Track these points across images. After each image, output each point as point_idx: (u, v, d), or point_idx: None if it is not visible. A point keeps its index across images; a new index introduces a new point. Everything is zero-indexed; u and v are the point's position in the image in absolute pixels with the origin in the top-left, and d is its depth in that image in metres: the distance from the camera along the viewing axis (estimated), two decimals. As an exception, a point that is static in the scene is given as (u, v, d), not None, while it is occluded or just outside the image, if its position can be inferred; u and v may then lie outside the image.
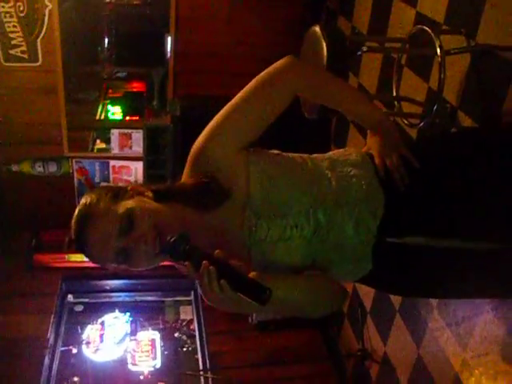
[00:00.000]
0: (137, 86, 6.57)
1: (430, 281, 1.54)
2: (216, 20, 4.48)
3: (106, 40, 5.62)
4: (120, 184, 1.48)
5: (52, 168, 4.76)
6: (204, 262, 1.19)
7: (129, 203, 1.32)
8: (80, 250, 1.34)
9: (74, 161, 4.85)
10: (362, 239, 1.40)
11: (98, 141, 5.32)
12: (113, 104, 6.15)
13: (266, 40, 4.46)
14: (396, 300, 3.43)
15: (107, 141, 5.13)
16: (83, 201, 1.35)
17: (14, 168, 4.67)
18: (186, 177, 1.44)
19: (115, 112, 6.08)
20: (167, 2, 4.58)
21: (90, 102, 6.05)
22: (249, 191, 1.37)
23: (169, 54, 4.79)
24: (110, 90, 6.35)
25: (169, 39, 4.77)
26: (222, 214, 1.39)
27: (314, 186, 1.39)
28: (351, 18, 4.08)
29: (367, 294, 3.85)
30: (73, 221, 1.34)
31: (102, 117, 5.97)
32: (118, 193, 1.36)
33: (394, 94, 2.99)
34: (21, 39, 4.31)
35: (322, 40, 2.54)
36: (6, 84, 4.44)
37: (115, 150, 4.91)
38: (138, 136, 4.84)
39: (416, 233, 1.42)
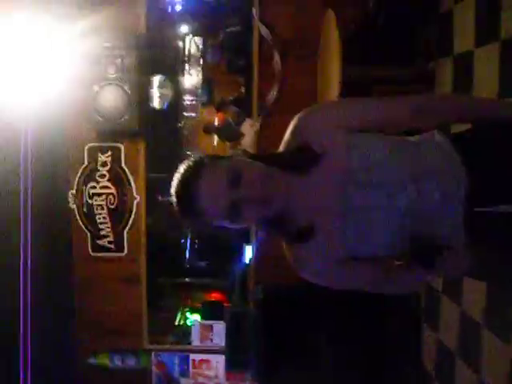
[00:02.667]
0: (215, 297, 6.61)
1: None
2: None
3: (188, 247, 5.83)
4: None
5: (130, 361, 4.61)
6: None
7: (231, 161, 1.42)
8: (187, 209, 1.38)
9: (153, 354, 4.70)
10: (450, 210, 1.42)
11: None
12: (192, 312, 6.16)
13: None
14: None
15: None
16: (182, 168, 1.41)
17: (92, 361, 4.55)
18: (283, 144, 1.51)
19: (194, 319, 6.05)
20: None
21: (170, 309, 6.10)
22: (348, 158, 1.40)
23: (248, 261, 4.97)
24: (189, 301, 6.42)
25: (248, 248, 4.94)
26: (319, 178, 1.43)
27: (406, 157, 1.44)
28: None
29: None
30: (176, 185, 1.39)
31: (181, 323, 5.96)
32: (215, 156, 1.44)
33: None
34: (109, 230, 4.52)
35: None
36: (91, 273, 4.55)
37: (195, 343, 4.76)
38: (219, 328, 4.72)
39: (505, 201, 1.44)
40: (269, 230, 1.60)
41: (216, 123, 6.15)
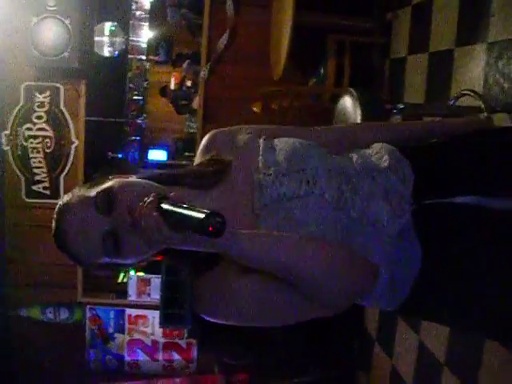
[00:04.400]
0: (161, 257, 6.49)
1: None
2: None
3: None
4: None
5: (63, 315, 4.40)
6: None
7: (106, 183, 1.15)
8: (63, 250, 1.15)
9: (87, 308, 4.49)
10: (396, 210, 1.21)
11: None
12: (135, 272, 6.01)
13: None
14: None
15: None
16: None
17: (23, 313, 4.32)
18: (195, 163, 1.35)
19: (134, 275, 5.92)
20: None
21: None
22: (259, 154, 1.25)
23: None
24: (135, 262, 6.27)
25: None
26: (226, 190, 1.23)
27: (335, 157, 1.28)
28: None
29: None
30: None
31: (125, 280, 5.80)
32: (97, 180, 1.19)
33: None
34: (44, 175, 4.27)
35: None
36: (25, 221, 4.30)
37: (132, 297, 4.57)
38: (157, 282, 4.53)
39: (463, 191, 1.25)
40: (176, 261, 1.37)
41: (172, 85, 5.98)
